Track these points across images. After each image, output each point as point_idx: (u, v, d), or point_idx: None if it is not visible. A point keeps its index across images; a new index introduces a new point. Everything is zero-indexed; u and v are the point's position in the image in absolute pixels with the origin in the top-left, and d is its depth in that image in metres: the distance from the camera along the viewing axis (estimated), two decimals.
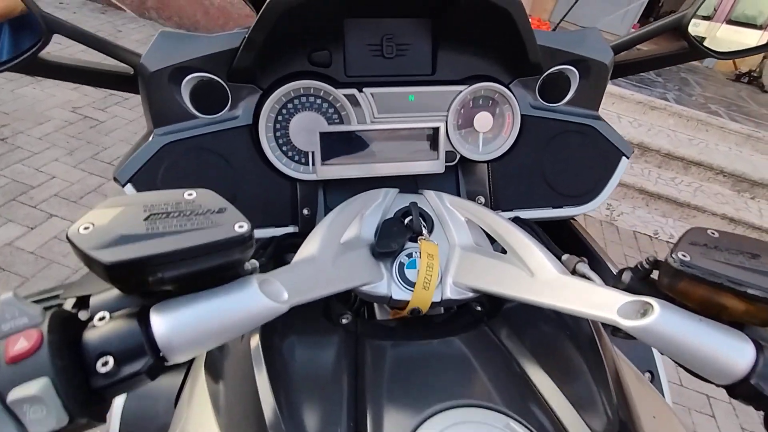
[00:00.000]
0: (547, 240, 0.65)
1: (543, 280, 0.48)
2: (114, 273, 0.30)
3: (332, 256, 0.50)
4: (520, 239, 0.56)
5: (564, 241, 0.83)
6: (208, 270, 0.33)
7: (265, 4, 0.57)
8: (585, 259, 0.58)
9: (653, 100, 3.80)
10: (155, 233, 0.31)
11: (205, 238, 0.32)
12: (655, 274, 0.43)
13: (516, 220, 0.74)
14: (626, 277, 0.46)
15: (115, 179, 0.65)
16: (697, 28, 0.70)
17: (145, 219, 0.32)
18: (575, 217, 0.85)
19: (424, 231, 0.63)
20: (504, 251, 0.58)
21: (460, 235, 0.63)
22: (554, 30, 0.76)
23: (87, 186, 2.51)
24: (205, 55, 0.62)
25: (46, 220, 2.26)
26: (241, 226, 0.34)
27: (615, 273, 0.69)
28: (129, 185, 0.65)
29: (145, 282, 0.31)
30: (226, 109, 0.67)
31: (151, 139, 0.65)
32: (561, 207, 0.78)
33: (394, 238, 0.60)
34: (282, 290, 0.38)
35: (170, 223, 0.32)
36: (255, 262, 0.47)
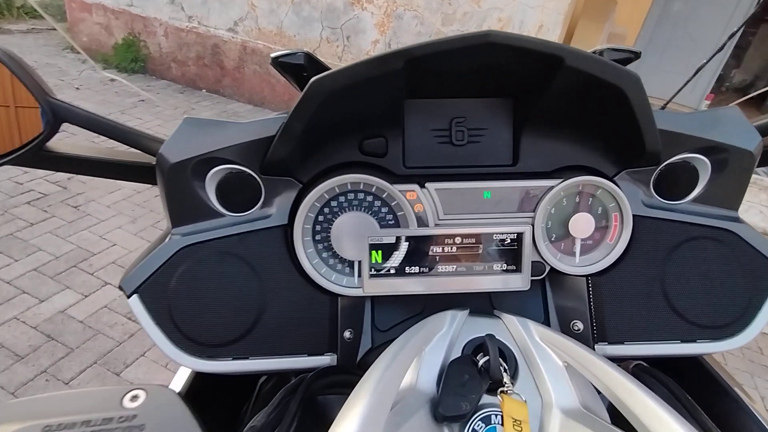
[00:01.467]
0: (696, 410, 0.44)
1: None
2: None
3: None
4: (662, 418, 0.36)
5: (686, 379, 0.61)
6: None
7: (306, 87, 0.46)
8: None
9: (764, 179, 3.41)
10: None
11: None
12: None
13: (638, 371, 0.54)
14: None
15: (120, 288, 0.54)
16: None
17: None
18: None
19: (506, 379, 0.45)
20: (624, 421, 0.39)
21: (560, 390, 0.44)
22: (665, 107, 0.60)
23: None
24: (235, 144, 0.52)
25: (100, 288, 2.26)
26: None
27: None
28: (135, 297, 0.53)
29: None
30: (258, 206, 0.55)
31: (168, 239, 0.54)
32: (693, 341, 0.57)
33: (464, 392, 0.43)
34: None
35: None
36: None
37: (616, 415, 0.43)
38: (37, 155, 0.49)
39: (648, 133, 0.51)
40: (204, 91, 4.93)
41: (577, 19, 4.48)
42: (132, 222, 2.79)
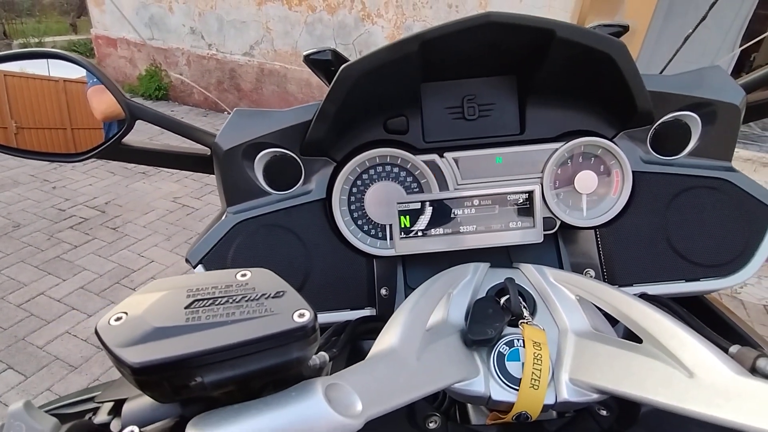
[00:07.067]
0: (699, 324, 0.50)
1: (710, 384, 0.35)
2: (143, 378, 0.23)
3: (417, 347, 0.40)
4: (663, 324, 0.42)
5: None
6: (260, 372, 0.26)
7: (337, 73, 0.55)
8: None
9: (764, 156, 3.39)
10: (195, 325, 0.25)
11: (255, 331, 0.25)
12: None
13: (643, 298, 0.59)
14: None
15: (186, 260, 0.63)
16: None
17: (187, 307, 0.26)
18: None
19: (526, 313, 0.51)
20: (634, 338, 0.45)
21: (573, 318, 0.50)
22: (661, 73, 0.66)
23: (180, 268, 2.67)
24: (278, 129, 0.61)
25: None
26: (302, 315, 0.26)
27: None
28: (200, 266, 0.62)
29: (181, 388, 0.24)
30: (299, 184, 0.64)
31: (224, 217, 0.63)
32: (697, 280, 0.62)
33: (489, 322, 0.49)
34: (355, 399, 0.29)
35: (215, 311, 0.26)
36: (324, 356, 0.38)
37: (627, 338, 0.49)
38: (116, 149, 0.59)
39: (638, 94, 0.58)
40: (227, 113, 5.14)
41: (585, 16, 4.53)
42: (167, 239, 2.94)
